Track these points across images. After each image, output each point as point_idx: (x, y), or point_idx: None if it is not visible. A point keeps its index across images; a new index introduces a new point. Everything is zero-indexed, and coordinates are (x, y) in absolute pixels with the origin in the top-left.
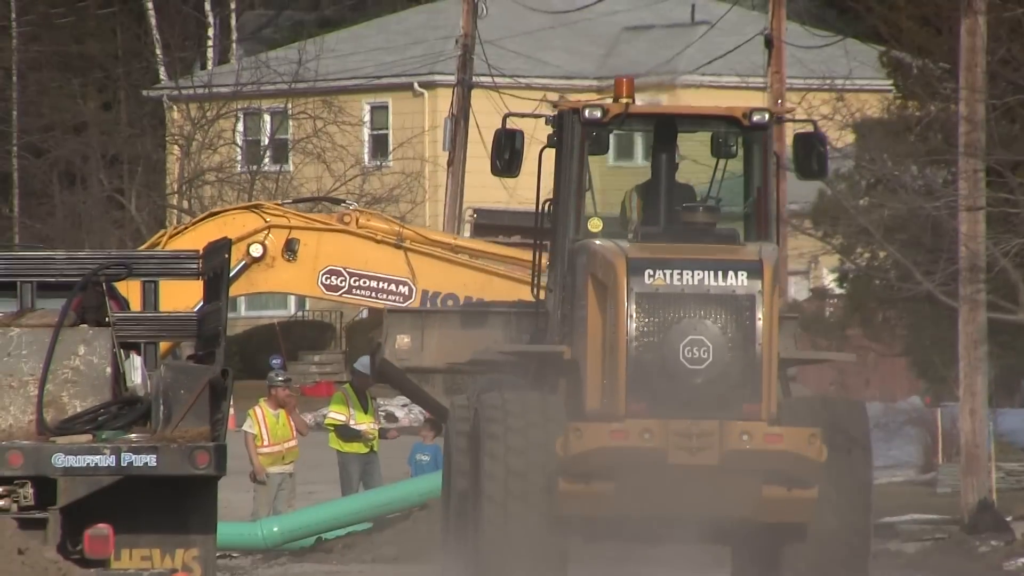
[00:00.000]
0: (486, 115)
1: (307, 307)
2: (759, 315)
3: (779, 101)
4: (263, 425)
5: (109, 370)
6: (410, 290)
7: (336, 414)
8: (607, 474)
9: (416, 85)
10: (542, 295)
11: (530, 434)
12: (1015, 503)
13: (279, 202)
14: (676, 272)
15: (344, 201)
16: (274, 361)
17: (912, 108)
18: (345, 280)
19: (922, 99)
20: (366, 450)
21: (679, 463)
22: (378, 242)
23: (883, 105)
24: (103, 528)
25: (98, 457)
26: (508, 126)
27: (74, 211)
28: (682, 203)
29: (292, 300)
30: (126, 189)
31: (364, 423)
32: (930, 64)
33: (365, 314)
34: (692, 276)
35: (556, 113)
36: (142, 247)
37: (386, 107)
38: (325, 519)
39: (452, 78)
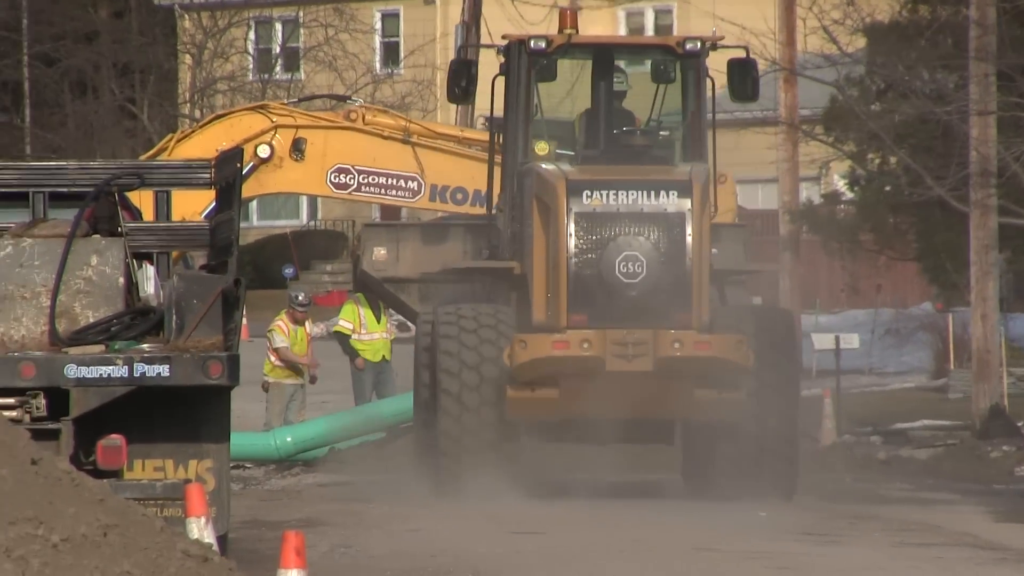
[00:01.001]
0: (498, 22)
1: (319, 216)
2: (689, 231)
3: (713, 30)
4: (289, 336)
5: (122, 280)
6: (419, 185)
7: (345, 323)
8: (551, 381)
9: None
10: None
11: (482, 349)
12: None
13: (284, 101)
14: (612, 193)
15: (350, 98)
16: (286, 271)
17: (923, 12)
18: (353, 177)
19: (933, 3)
20: (379, 358)
21: (616, 369)
22: (385, 138)
23: (894, 9)
24: (116, 439)
25: (111, 367)
26: (463, 56)
27: (86, 121)
28: (623, 128)
29: (304, 209)
30: (138, 98)
31: (376, 332)
32: None
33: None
34: (627, 196)
35: (505, 45)
36: (150, 152)
37: (397, 14)
38: (338, 429)
39: None
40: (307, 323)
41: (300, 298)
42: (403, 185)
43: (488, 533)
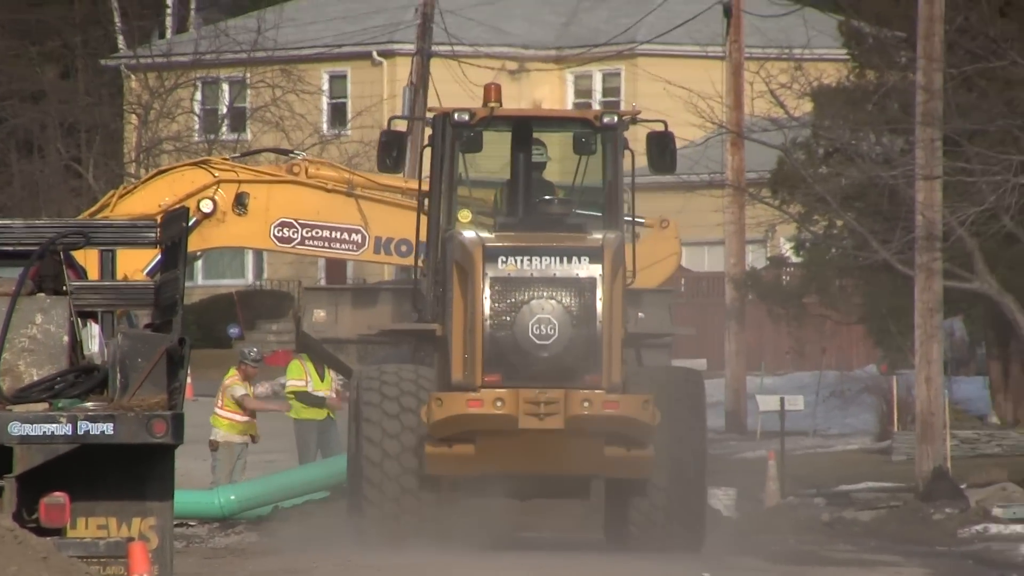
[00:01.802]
0: (446, 84)
1: (265, 276)
2: (599, 295)
3: (633, 104)
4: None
5: (66, 338)
6: (363, 238)
7: (296, 381)
8: (467, 438)
9: (375, 54)
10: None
11: (403, 400)
12: (970, 471)
13: (227, 156)
14: (526, 258)
15: (293, 152)
16: (232, 330)
17: (870, 76)
18: (297, 231)
19: (880, 68)
20: (323, 416)
21: (529, 427)
22: (328, 191)
23: (841, 74)
24: (59, 496)
25: (55, 425)
26: (392, 127)
27: (32, 180)
28: (541, 197)
29: (250, 268)
30: (84, 158)
31: (321, 390)
32: (888, 33)
33: (323, 283)
34: (540, 262)
35: (431, 117)
36: (92, 208)
37: (345, 76)
38: (282, 488)
39: (411, 47)
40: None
41: (252, 354)
42: (347, 238)
43: None
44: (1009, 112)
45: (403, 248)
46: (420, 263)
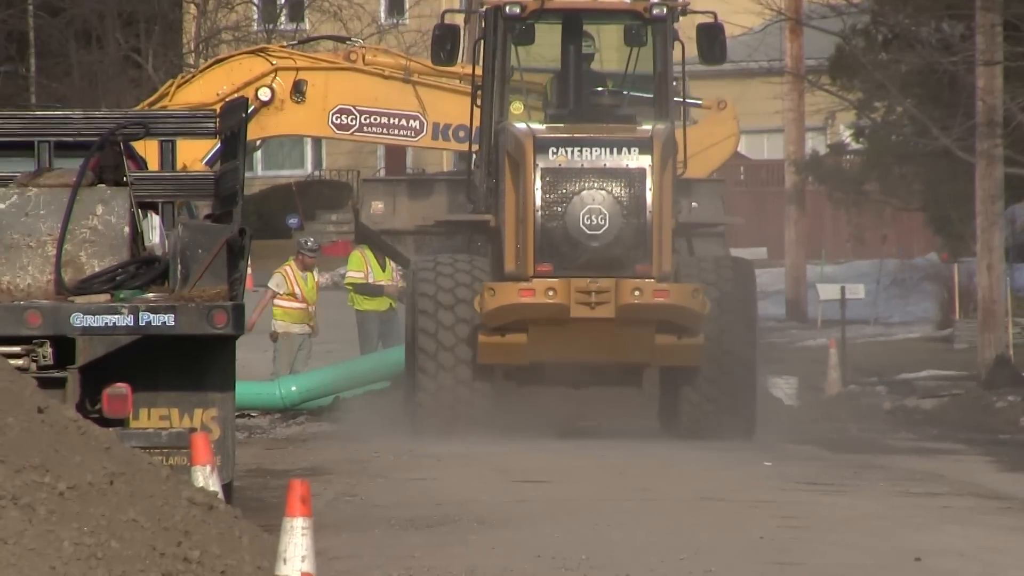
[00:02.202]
0: None
1: (324, 166)
2: (649, 186)
3: None
4: (295, 283)
5: (127, 230)
6: (421, 124)
7: (355, 272)
8: (519, 327)
9: None
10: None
11: (457, 292)
12: None
13: (284, 44)
14: (577, 149)
15: (350, 39)
16: (291, 220)
17: None
18: (355, 118)
19: None
20: (386, 307)
21: (580, 316)
22: (386, 78)
23: None
24: (121, 387)
25: (116, 316)
26: (445, 21)
27: (91, 70)
28: (591, 89)
29: (309, 159)
30: (143, 48)
31: (382, 280)
32: None
33: (383, 173)
34: (591, 153)
35: (484, 10)
36: (151, 98)
37: None
38: (342, 378)
39: None
40: (315, 270)
41: (310, 243)
42: (405, 124)
43: (493, 482)
44: None
45: (461, 134)
46: (474, 154)
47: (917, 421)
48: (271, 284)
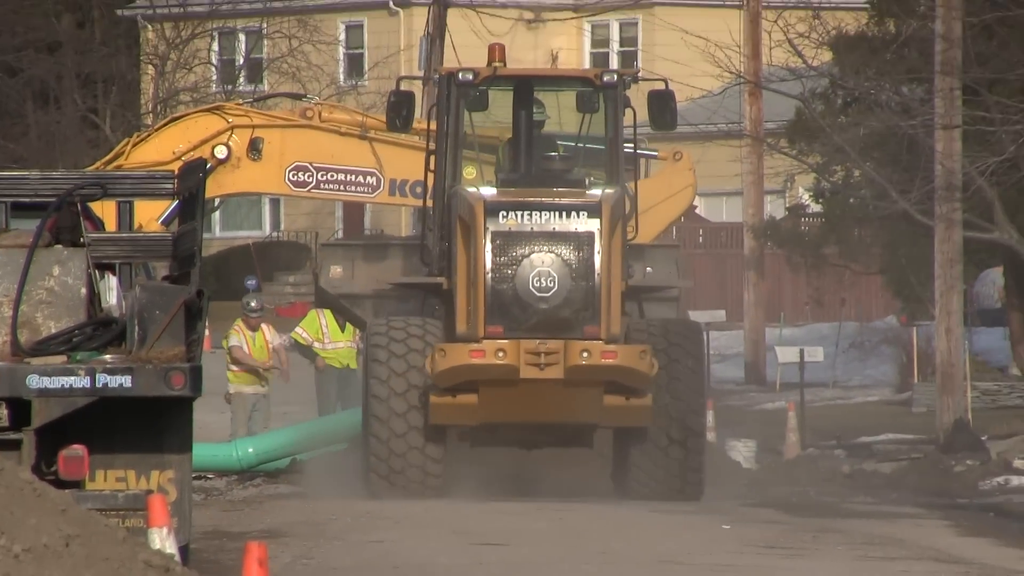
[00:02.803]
0: (462, 34)
1: (282, 227)
2: (597, 249)
3: (635, 63)
4: (244, 343)
5: (84, 291)
6: (378, 180)
7: (303, 331)
8: (470, 388)
9: (391, 3)
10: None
11: (409, 358)
12: (990, 422)
13: (240, 101)
14: (526, 213)
15: (305, 96)
16: (249, 282)
17: (889, 25)
18: (312, 175)
19: (899, 16)
20: (341, 366)
21: (529, 377)
22: (342, 134)
23: (860, 22)
24: (78, 449)
25: (73, 378)
26: (401, 88)
27: (48, 131)
28: (543, 154)
29: (267, 220)
30: (100, 109)
31: (340, 341)
32: None
33: (341, 234)
34: (540, 216)
35: (438, 76)
36: (107, 156)
37: (361, 26)
38: (300, 439)
39: None
40: (266, 329)
41: (252, 304)
42: (362, 181)
43: (451, 544)
44: None
45: (418, 190)
46: (429, 217)
47: (876, 485)
48: (232, 342)
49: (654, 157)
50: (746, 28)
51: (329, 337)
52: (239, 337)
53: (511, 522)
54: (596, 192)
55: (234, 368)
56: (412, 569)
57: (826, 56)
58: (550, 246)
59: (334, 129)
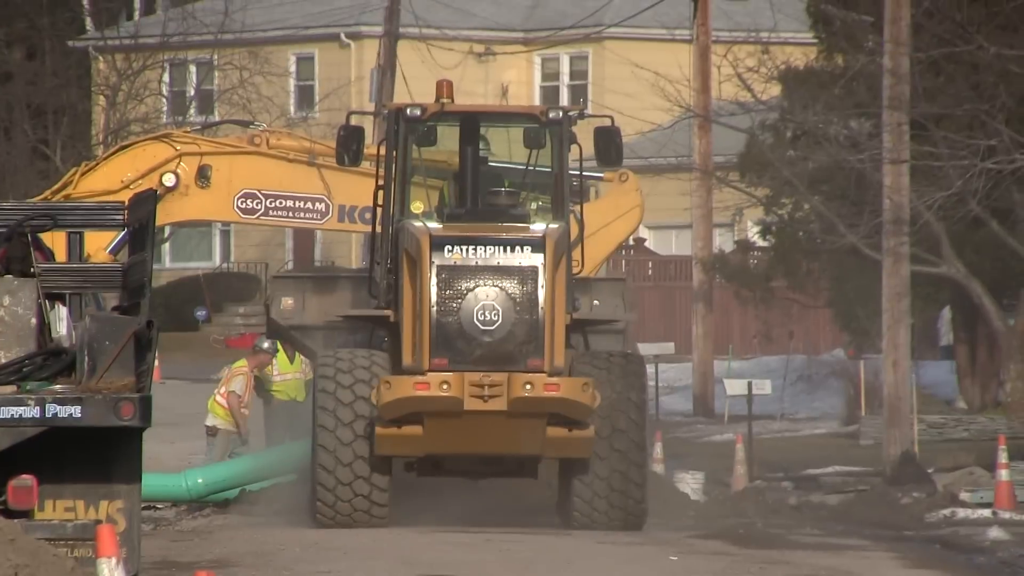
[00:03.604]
0: (413, 66)
1: (232, 258)
2: (541, 283)
3: (580, 100)
4: (248, 392)
5: (34, 321)
6: (327, 206)
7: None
8: (415, 419)
9: (343, 36)
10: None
11: (356, 388)
12: (937, 455)
13: (188, 129)
14: (471, 248)
15: (253, 123)
16: (199, 313)
17: (838, 60)
18: (261, 202)
19: (847, 51)
20: (288, 398)
21: (473, 409)
22: (291, 161)
23: (809, 57)
24: (27, 479)
25: (22, 408)
26: (351, 122)
27: None
28: (488, 189)
29: (217, 251)
30: (51, 140)
31: (288, 372)
32: (855, 16)
33: (291, 265)
34: (485, 251)
35: (386, 112)
36: (56, 186)
37: (312, 58)
38: (249, 471)
39: (379, 29)
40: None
41: (265, 345)
42: (311, 207)
43: (399, 575)
44: (976, 96)
45: (367, 216)
46: (376, 250)
47: (823, 517)
48: (236, 387)
49: (599, 179)
50: (696, 62)
51: (278, 369)
52: (243, 385)
53: (459, 553)
54: (540, 227)
55: (223, 406)
56: None
57: (775, 90)
58: (495, 280)
59: (282, 156)
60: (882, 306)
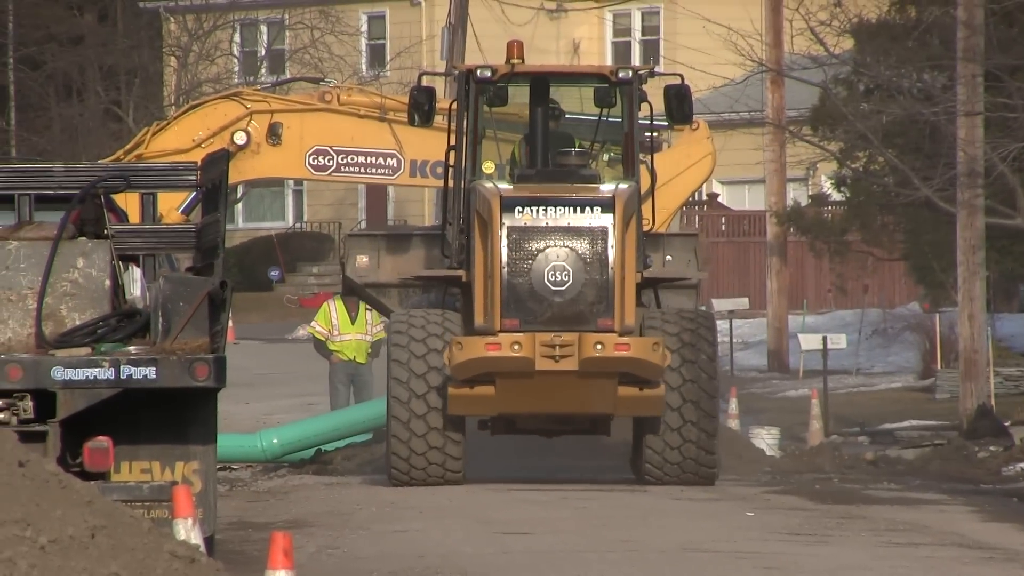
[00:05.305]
0: (484, 24)
1: (305, 218)
2: (611, 243)
3: (651, 59)
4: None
5: (108, 283)
6: (399, 161)
7: (318, 325)
8: (487, 379)
9: None
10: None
11: (429, 342)
12: (1013, 408)
13: (258, 87)
14: (541, 208)
15: (324, 79)
16: (272, 273)
17: (911, 12)
18: (332, 159)
19: (921, 3)
20: (347, 359)
21: (545, 369)
22: (361, 117)
23: (881, 10)
24: (103, 441)
25: (97, 370)
26: (422, 83)
27: (71, 124)
28: (559, 149)
29: (290, 211)
30: (123, 101)
31: (349, 333)
32: None
33: (364, 224)
34: (555, 212)
35: (457, 73)
36: (127, 146)
37: (383, 16)
38: (324, 431)
39: None
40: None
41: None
42: (383, 163)
43: (475, 534)
44: None
45: (439, 170)
46: (448, 210)
47: (899, 471)
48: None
49: (668, 128)
50: (767, 16)
51: (338, 329)
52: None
53: (534, 511)
54: (610, 187)
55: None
56: (437, 558)
57: (848, 44)
58: (565, 240)
59: (353, 112)
60: (957, 259)
